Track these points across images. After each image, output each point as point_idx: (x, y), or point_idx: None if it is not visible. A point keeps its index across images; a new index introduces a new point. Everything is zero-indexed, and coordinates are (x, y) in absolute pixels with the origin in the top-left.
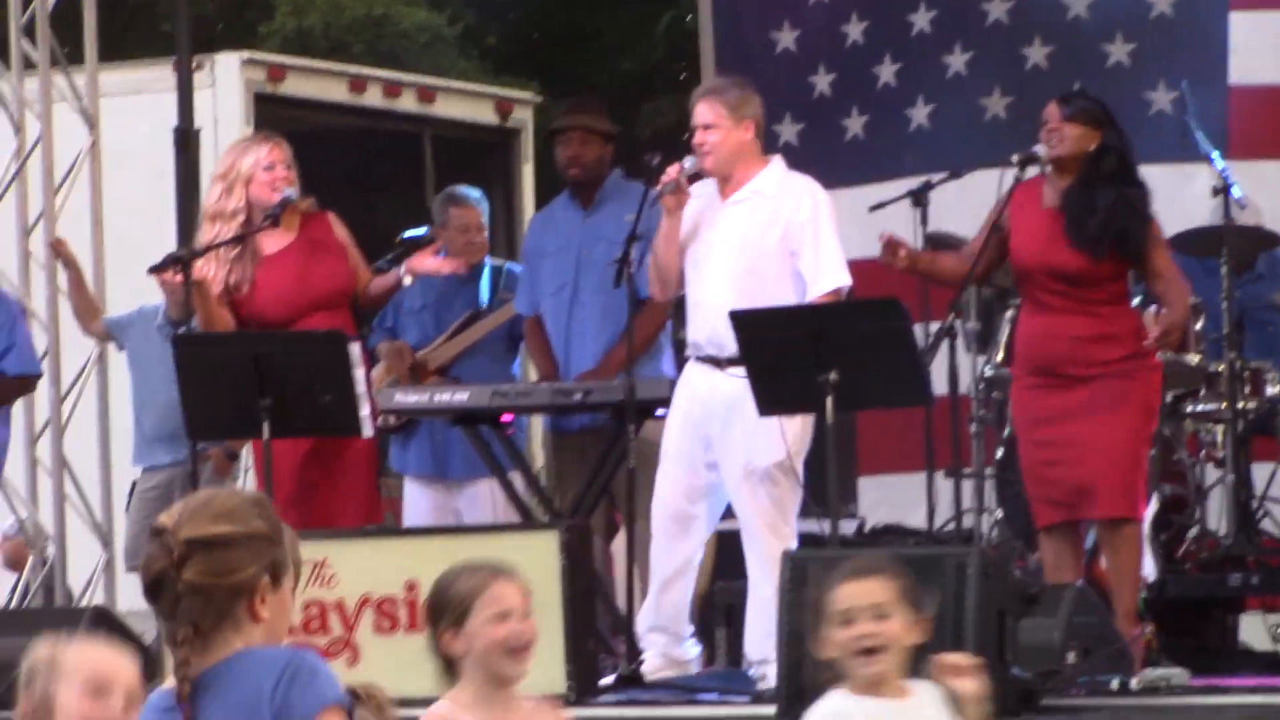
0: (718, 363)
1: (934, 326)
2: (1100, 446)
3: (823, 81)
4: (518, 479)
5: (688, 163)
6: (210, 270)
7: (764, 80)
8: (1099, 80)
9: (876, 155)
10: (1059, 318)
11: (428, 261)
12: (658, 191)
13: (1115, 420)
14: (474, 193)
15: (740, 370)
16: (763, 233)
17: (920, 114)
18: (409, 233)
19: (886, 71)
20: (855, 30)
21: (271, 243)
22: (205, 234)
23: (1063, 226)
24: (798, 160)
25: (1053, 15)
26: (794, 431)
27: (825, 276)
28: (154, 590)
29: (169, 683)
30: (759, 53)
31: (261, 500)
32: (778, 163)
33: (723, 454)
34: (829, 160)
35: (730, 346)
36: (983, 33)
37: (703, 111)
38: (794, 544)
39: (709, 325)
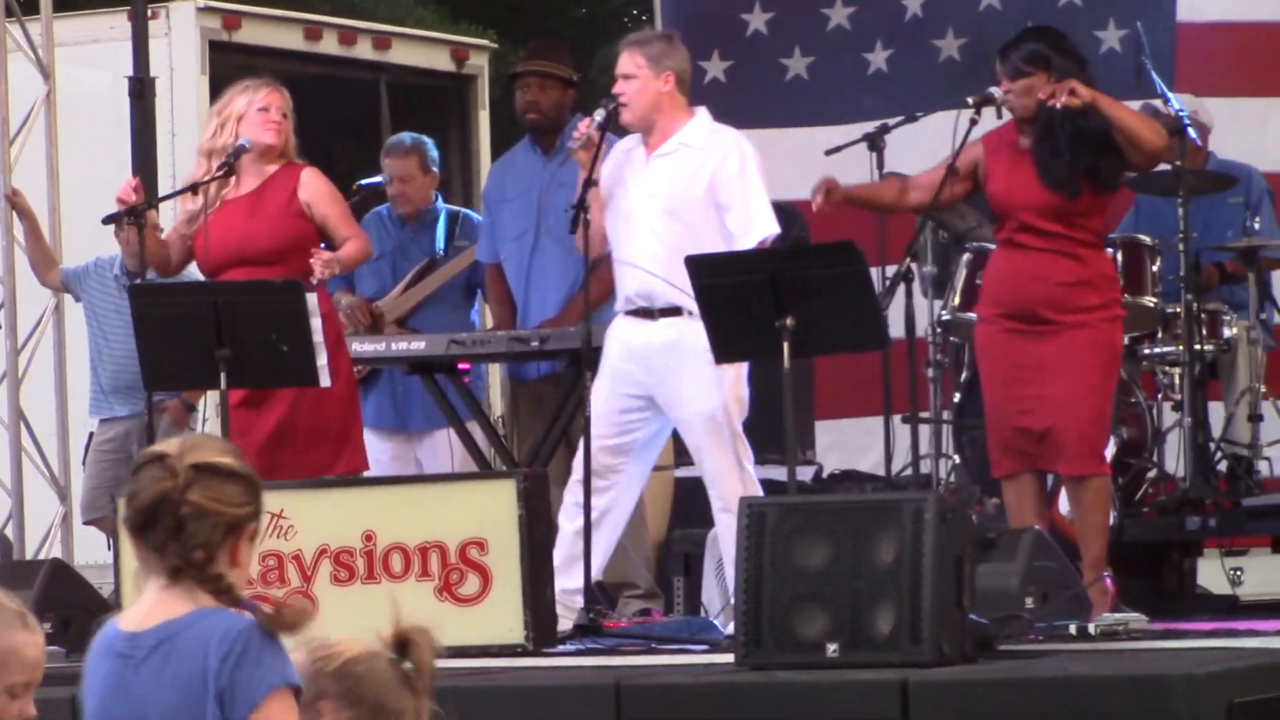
0: (650, 314)
1: (890, 270)
2: (1071, 400)
3: (758, 20)
4: (476, 428)
5: (598, 115)
6: (188, 204)
7: (699, 17)
8: (1051, 20)
9: (824, 97)
10: (1040, 259)
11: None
12: (569, 146)
13: (1085, 374)
14: (405, 139)
15: (673, 319)
16: (689, 185)
17: (879, 58)
18: (365, 181)
19: (839, 14)
20: None
21: (242, 184)
22: (197, 170)
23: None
24: (727, 97)
25: None
26: (730, 378)
27: (754, 229)
28: (149, 516)
29: (124, 620)
30: None
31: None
32: (703, 114)
33: (672, 403)
34: (765, 99)
35: (662, 297)
36: None
37: (623, 62)
38: (757, 484)
39: (639, 278)
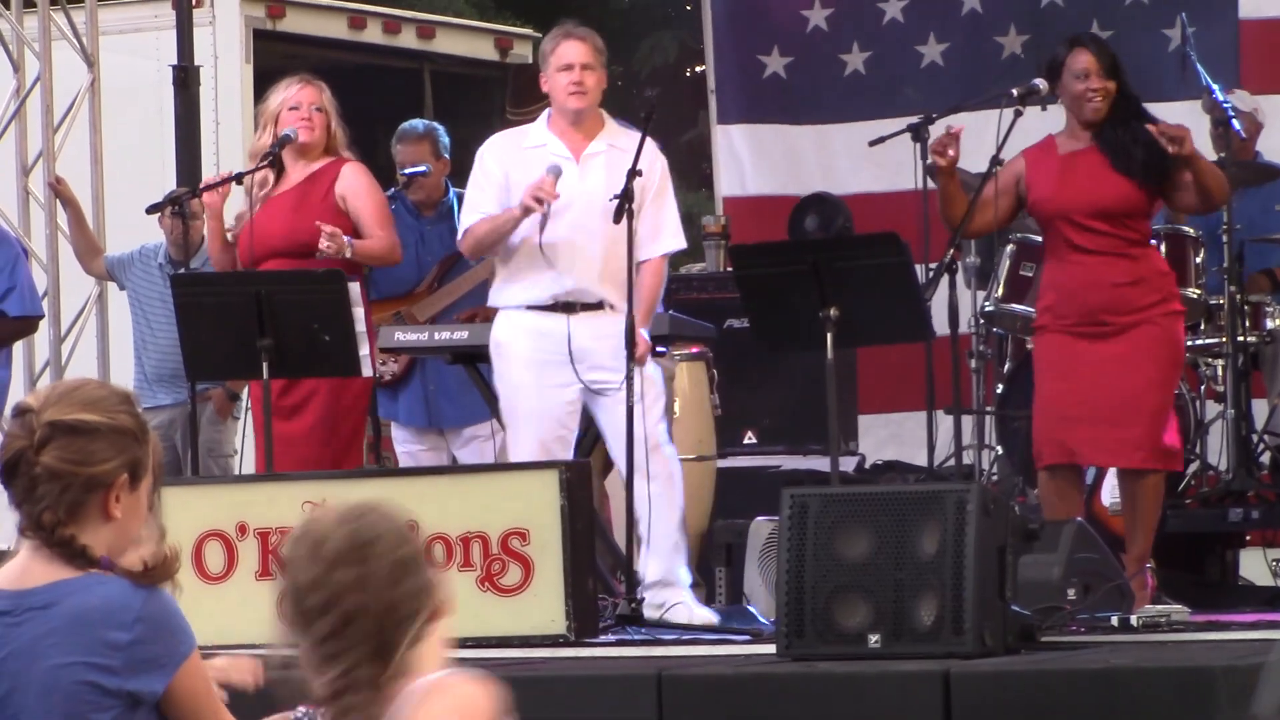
0: (570, 308)
1: (934, 262)
2: (1134, 396)
3: (818, 15)
4: None
5: (553, 172)
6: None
7: (757, 13)
8: (1119, 18)
9: (881, 91)
10: (1098, 263)
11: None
12: (527, 207)
13: (1148, 370)
14: (418, 126)
15: (595, 313)
16: (621, 185)
17: (934, 51)
18: (409, 169)
19: (893, 7)
20: None
21: (285, 180)
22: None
23: (1105, 162)
24: (788, 93)
25: None
26: (651, 367)
27: (664, 240)
28: (9, 472)
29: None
30: None
31: (130, 397)
32: (611, 120)
33: (611, 386)
34: (825, 94)
35: (594, 294)
36: None
37: (580, 51)
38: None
39: (572, 276)
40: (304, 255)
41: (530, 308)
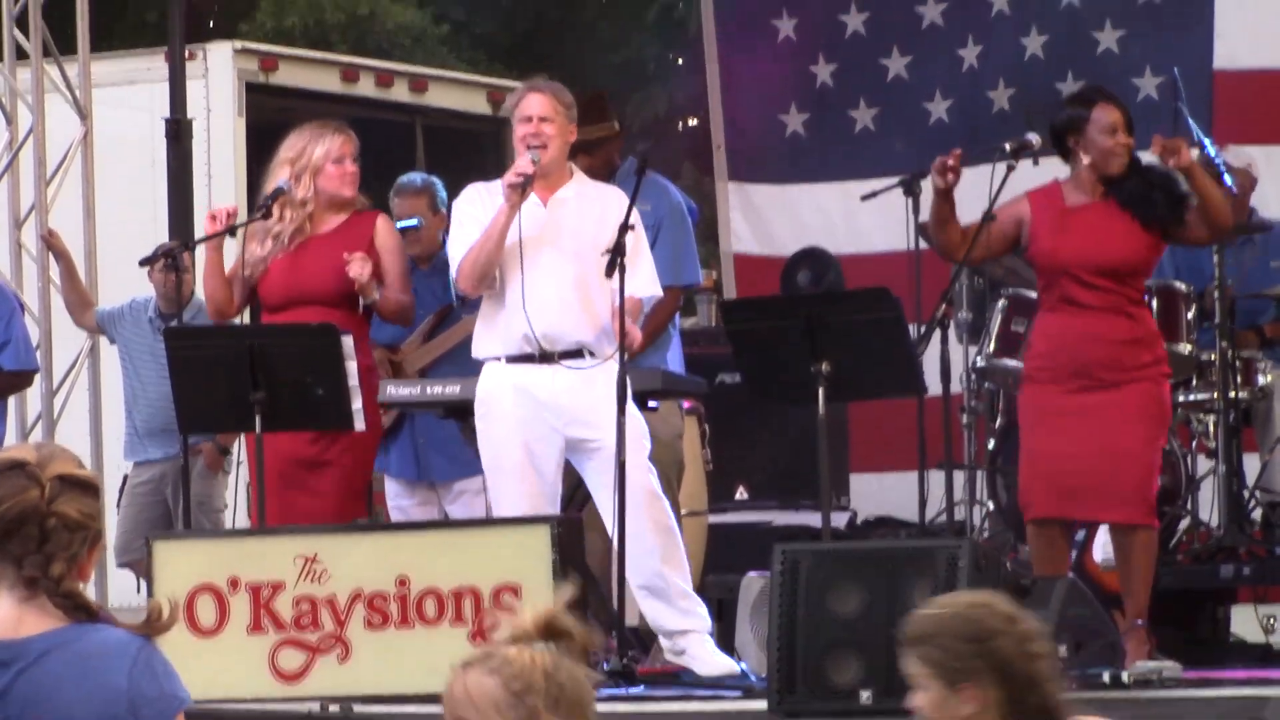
0: (549, 357)
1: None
2: (1126, 451)
3: (824, 72)
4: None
5: (533, 156)
6: (255, 248)
7: (766, 68)
8: (1090, 67)
9: (885, 147)
10: (1097, 318)
11: (356, 265)
12: (511, 184)
13: (1140, 427)
14: (414, 180)
15: (576, 360)
16: (595, 229)
17: (939, 109)
18: (401, 224)
19: (897, 64)
20: (856, 21)
21: (316, 228)
22: (275, 222)
23: (1114, 217)
24: (804, 151)
25: (1047, 5)
26: (638, 417)
27: (639, 287)
28: (11, 525)
29: None
30: (762, 39)
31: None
32: (580, 172)
33: (586, 442)
34: (836, 151)
35: (565, 339)
36: (988, 24)
37: (539, 103)
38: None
39: (544, 320)
40: (327, 304)
41: (510, 359)
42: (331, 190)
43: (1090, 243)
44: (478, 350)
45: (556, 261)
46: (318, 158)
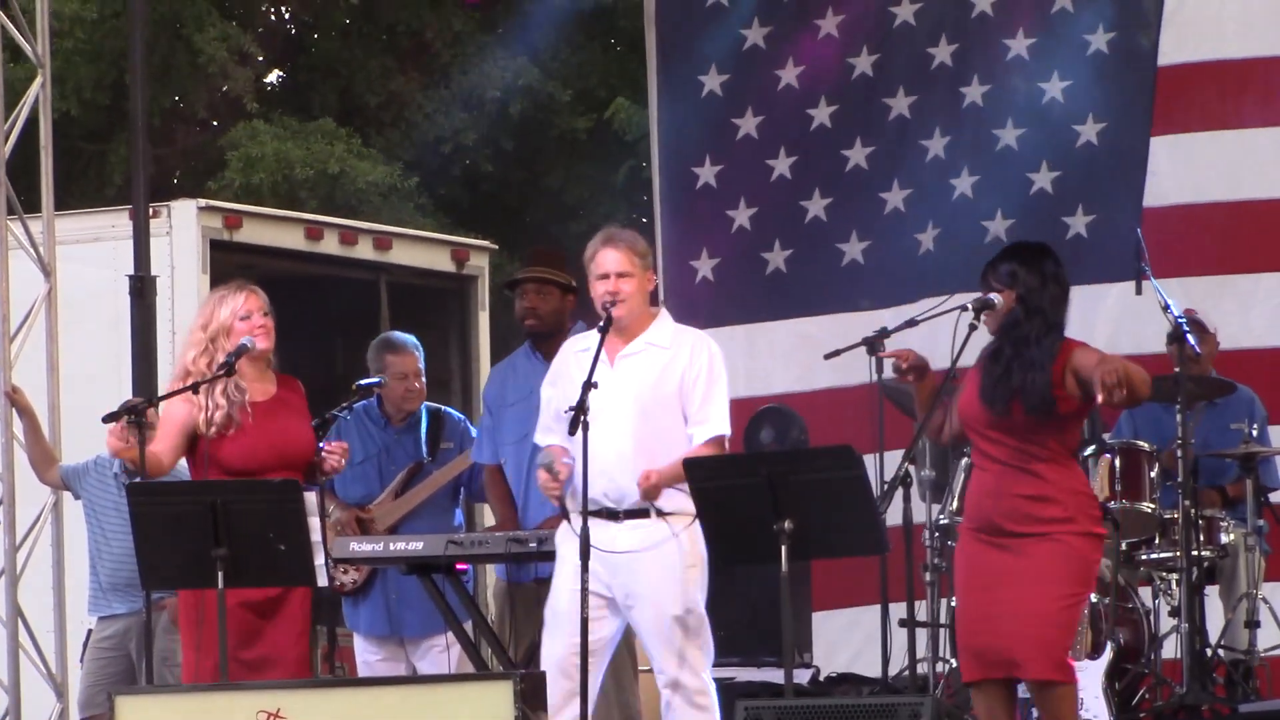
0: (614, 515)
1: (889, 454)
2: (1030, 608)
3: (817, 207)
4: (471, 628)
5: (548, 466)
6: (205, 409)
7: (692, 216)
8: (1021, 206)
9: (883, 280)
10: (1003, 473)
11: (336, 458)
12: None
13: (1048, 583)
14: (409, 339)
15: (640, 520)
16: (659, 383)
17: (928, 239)
18: (364, 381)
19: (896, 197)
20: (858, 156)
21: (255, 392)
22: (174, 385)
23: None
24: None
25: (984, 145)
26: (694, 581)
27: (710, 425)
28: None
29: None
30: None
31: None
32: (665, 315)
33: (635, 604)
34: (823, 282)
35: (629, 498)
36: (921, 166)
37: (617, 259)
38: (712, 688)
39: (607, 477)
40: (301, 466)
41: (579, 513)
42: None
43: (974, 399)
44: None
45: (624, 418)
46: (225, 318)
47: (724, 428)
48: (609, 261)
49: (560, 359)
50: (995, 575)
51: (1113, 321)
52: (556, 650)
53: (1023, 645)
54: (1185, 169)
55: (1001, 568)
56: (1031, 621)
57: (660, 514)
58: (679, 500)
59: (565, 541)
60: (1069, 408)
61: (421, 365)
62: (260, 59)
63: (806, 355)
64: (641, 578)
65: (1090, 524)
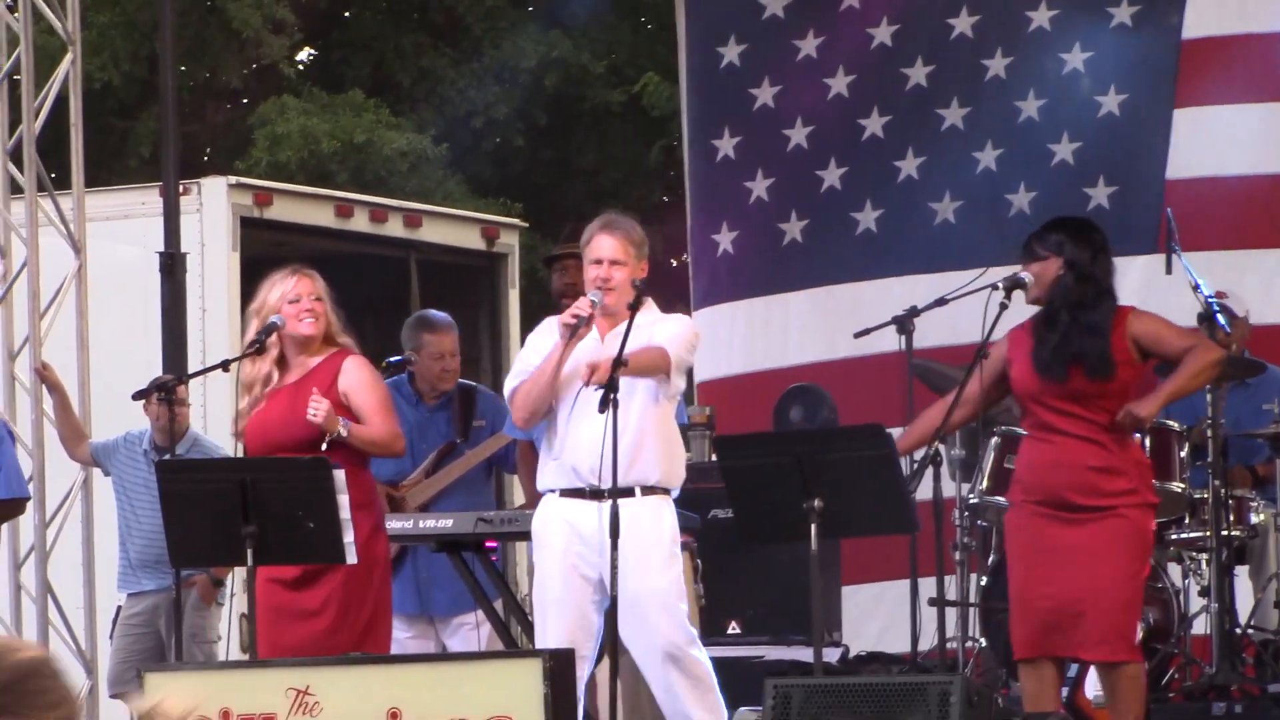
0: (599, 494)
1: (918, 458)
2: (1101, 586)
3: (833, 176)
4: (500, 606)
5: (594, 297)
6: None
7: (713, 189)
8: (1044, 178)
9: (896, 248)
10: (1065, 445)
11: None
12: (566, 324)
13: (1116, 560)
14: (446, 317)
15: (625, 499)
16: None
17: (946, 209)
18: (394, 358)
19: (910, 166)
20: (875, 125)
21: (289, 374)
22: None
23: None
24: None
25: (1006, 118)
26: (677, 553)
27: (663, 343)
28: None
29: None
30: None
31: None
32: (652, 304)
33: (623, 581)
34: (839, 252)
35: (618, 477)
36: (938, 137)
37: (612, 247)
38: (705, 656)
39: (594, 456)
40: (307, 450)
41: (564, 493)
42: (291, 330)
43: (1029, 370)
44: (539, 483)
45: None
46: (274, 302)
47: (673, 350)
48: (604, 248)
49: (550, 323)
50: (1058, 552)
51: (1135, 295)
52: (553, 642)
53: (1093, 628)
54: (1207, 142)
55: (1064, 544)
56: (1101, 603)
57: (643, 492)
58: (659, 475)
59: (547, 525)
60: (1129, 373)
61: (457, 344)
62: (295, 27)
63: (826, 325)
64: (631, 555)
65: (1149, 494)
